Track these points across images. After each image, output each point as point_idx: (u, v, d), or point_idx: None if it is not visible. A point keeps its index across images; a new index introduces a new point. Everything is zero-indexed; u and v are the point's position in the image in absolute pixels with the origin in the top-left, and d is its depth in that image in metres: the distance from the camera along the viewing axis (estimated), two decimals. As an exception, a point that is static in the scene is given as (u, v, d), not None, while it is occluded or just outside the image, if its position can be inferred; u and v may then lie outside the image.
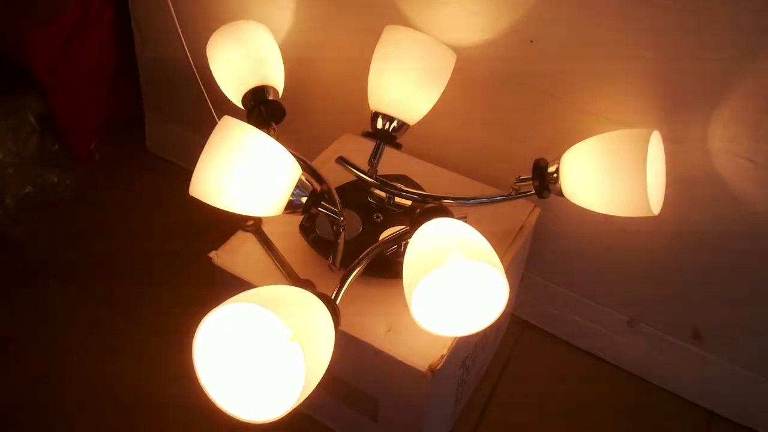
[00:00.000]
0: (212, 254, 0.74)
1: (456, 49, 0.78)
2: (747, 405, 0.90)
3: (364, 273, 0.66)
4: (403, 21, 0.84)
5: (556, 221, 0.89)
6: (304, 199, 0.67)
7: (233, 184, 0.63)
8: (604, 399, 0.94)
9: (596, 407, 0.93)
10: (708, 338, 0.88)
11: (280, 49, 0.82)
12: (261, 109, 0.76)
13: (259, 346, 0.55)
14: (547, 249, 0.93)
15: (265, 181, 0.64)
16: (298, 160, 0.68)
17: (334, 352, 0.57)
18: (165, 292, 1.04)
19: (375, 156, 0.77)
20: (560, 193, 0.71)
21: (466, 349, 0.74)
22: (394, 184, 0.77)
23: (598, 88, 0.77)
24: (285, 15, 0.96)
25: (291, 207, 0.66)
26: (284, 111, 0.78)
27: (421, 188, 0.81)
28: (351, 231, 0.75)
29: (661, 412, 0.93)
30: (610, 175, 0.66)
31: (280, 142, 0.66)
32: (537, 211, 0.82)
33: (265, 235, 0.77)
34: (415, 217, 0.67)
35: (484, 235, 0.62)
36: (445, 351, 0.66)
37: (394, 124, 0.76)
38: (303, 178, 0.67)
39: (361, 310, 0.69)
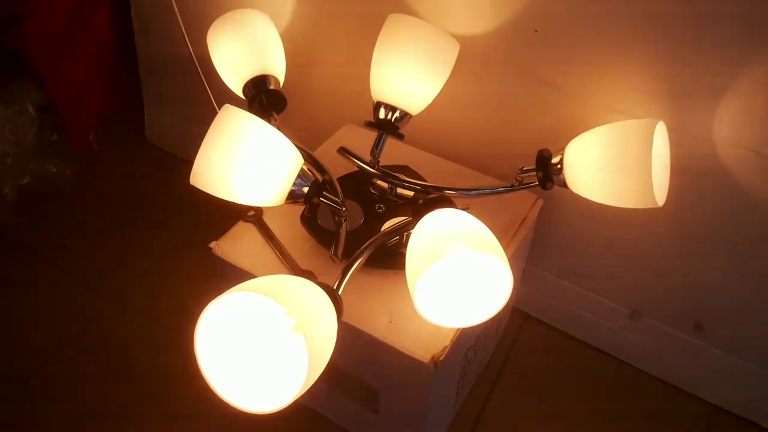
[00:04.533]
0: (213, 244, 0.74)
1: (459, 39, 0.77)
2: (748, 397, 0.90)
3: (366, 264, 0.65)
4: (407, 10, 0.84)
5: (558, 213, 0.88)
6: (305, 189, 0.66)
7: (234, 174, 0.62)
8: (605, 392, 0.94)
9: (597, 400, 0.93)
10: (710, 331, 0.88)
11: (281, 38, 0.81)
12: (262, 98, 0.76)
13: (261, 337, 0.54)
14: (550, 241, 0.92)
15: (266, 171, 0.63)
16: (300, 149, 0.68)
17: (336, 343, 0.56)
18: (165, 283, 1.03)
19: (377, 146, 0.76)
20: (564, 184, 0.71)
21: (468, 340, 0.74)
22: (396, 174, 0.77)
23: (603, 78, 0.77)
24: (287, 3, 0.95)
25: (292, 197, 0.66)
26: (285, 100, 0.77)
27: (423, 179, 0.80)
28: (353, 222, 0.74)
29: (662, 405, 0.93)
30: (615, 166, 0.66)
31: (281, 131, 0.65)
32: (540, 202, 0.81)
33: (266, 226, 0.76)
34: (417, 208, 0.66)
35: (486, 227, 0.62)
36: (447, 342, 0.65)
37: (397, 114, 0.76)
38: (305, 168, 0.67)
39: (363, 301, 0.69)
